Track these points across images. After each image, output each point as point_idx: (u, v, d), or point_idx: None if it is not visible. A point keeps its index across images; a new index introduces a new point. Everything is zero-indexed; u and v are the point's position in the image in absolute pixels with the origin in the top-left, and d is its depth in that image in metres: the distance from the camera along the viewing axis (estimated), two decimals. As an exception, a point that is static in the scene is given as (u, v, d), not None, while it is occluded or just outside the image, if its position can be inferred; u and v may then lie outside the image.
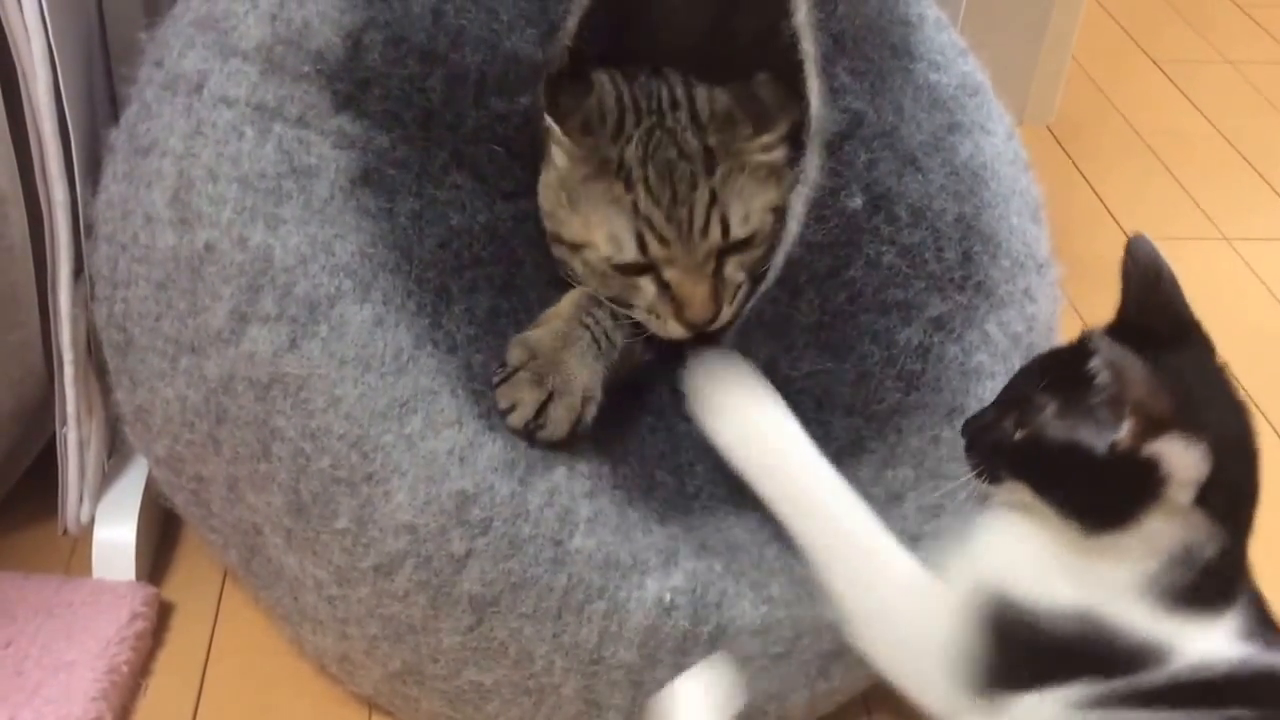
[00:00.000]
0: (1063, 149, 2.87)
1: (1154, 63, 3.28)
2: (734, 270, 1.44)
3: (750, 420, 1.42)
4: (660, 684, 1.38)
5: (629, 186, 1.40)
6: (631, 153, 1.41)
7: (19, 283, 1.51)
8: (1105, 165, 2.83)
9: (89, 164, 1.49)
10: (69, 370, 1.54)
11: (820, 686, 1.47)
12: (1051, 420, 1.27)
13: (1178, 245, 2.55)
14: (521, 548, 1.33)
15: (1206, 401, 1.26)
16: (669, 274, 1.41)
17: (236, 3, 1.35)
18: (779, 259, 1.46)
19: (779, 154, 1.47)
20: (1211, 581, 1.25)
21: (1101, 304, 2.30)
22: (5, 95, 1.42)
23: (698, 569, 1.40)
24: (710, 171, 1.41)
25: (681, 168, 1.41)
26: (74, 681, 1.48)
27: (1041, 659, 1.28)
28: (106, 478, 1.67)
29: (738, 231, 1.42)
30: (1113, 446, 1.21)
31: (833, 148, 1.44)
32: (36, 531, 1.70)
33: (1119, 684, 1.25)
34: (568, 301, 1.42)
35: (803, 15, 1.43)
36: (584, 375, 1.36)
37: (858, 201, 1.45)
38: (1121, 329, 1.34)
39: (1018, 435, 1.29)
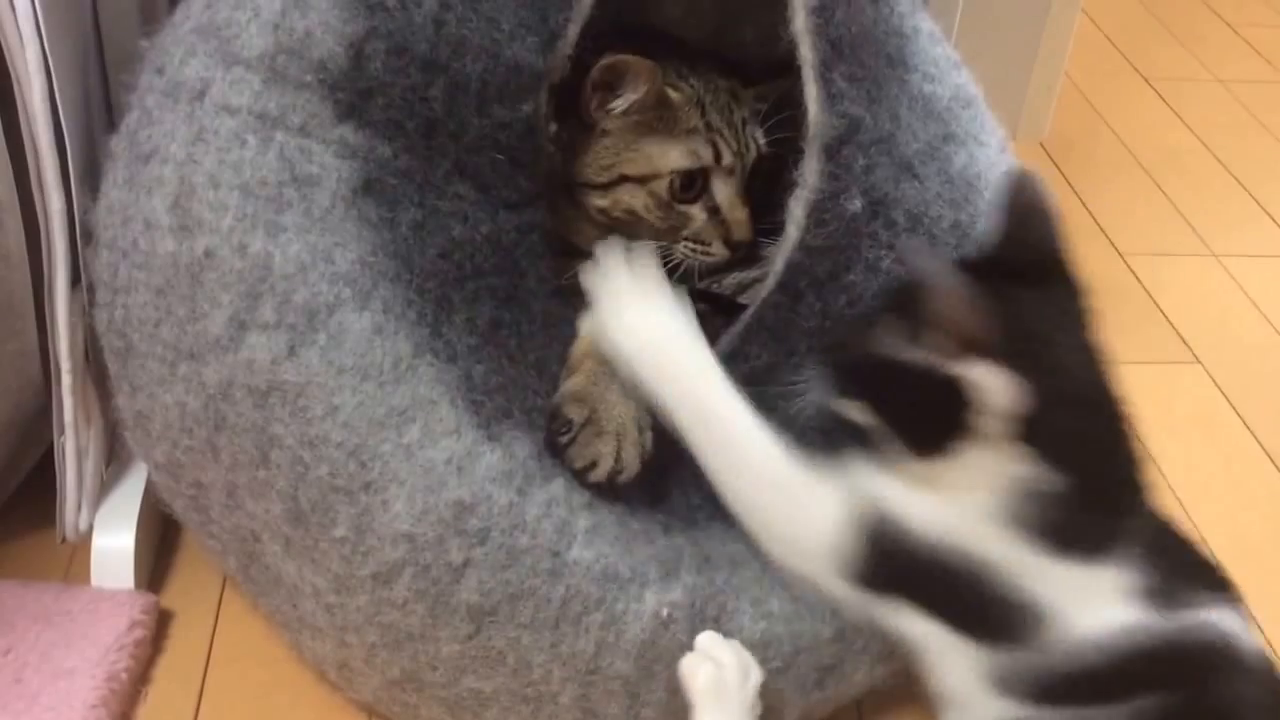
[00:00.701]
0: (1055, 165, 2.88)
1: (1146, 81, 3.29)
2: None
3: (654, 336, 1.40)
4: (657, 694, 1.38)
5: (704, 112, 1.56)
6: (695, 87, 1.57)
7: (16, 292, 1.51)
8: (1097, 182, 2.84)
9: (85, 172, 1.49)
10: (66, 379, 1.54)
11: (815, 696, 1.47)
12: (885, 337, 1.27)
13: (1168, 262, 2.58)
14: (519, 558, 1.33)
15: (1047, 341, 1.25)
16: (720, 195, 1.57)
17: (239, 11, 1.35)
18: (779, 264, 1.47)
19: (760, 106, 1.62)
20: (1065, 524, 1.23)
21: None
22: (0, 103, 1.42)
23: (698, 583, 1.40)
24: (738, 103, 1.59)
25: (723, 98, 1.58)
26: (74, 689, 1.48)
27: (914, 577, 1.28)
28: (105, 485, 1.67)
29: (763, 149, 1.60)
30: (922, 360, 1.21)
31: (831, 152, 1.45)
32: (35, 539, 1.70)
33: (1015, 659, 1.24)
34: (588, 341, 1.44)
35: (800, 22, 1.44)
36: (632, 407, 1.39)
37: (857, 205, 1.46)
38: (987, 262, 1.34)
39: (859, 351, 1.31)
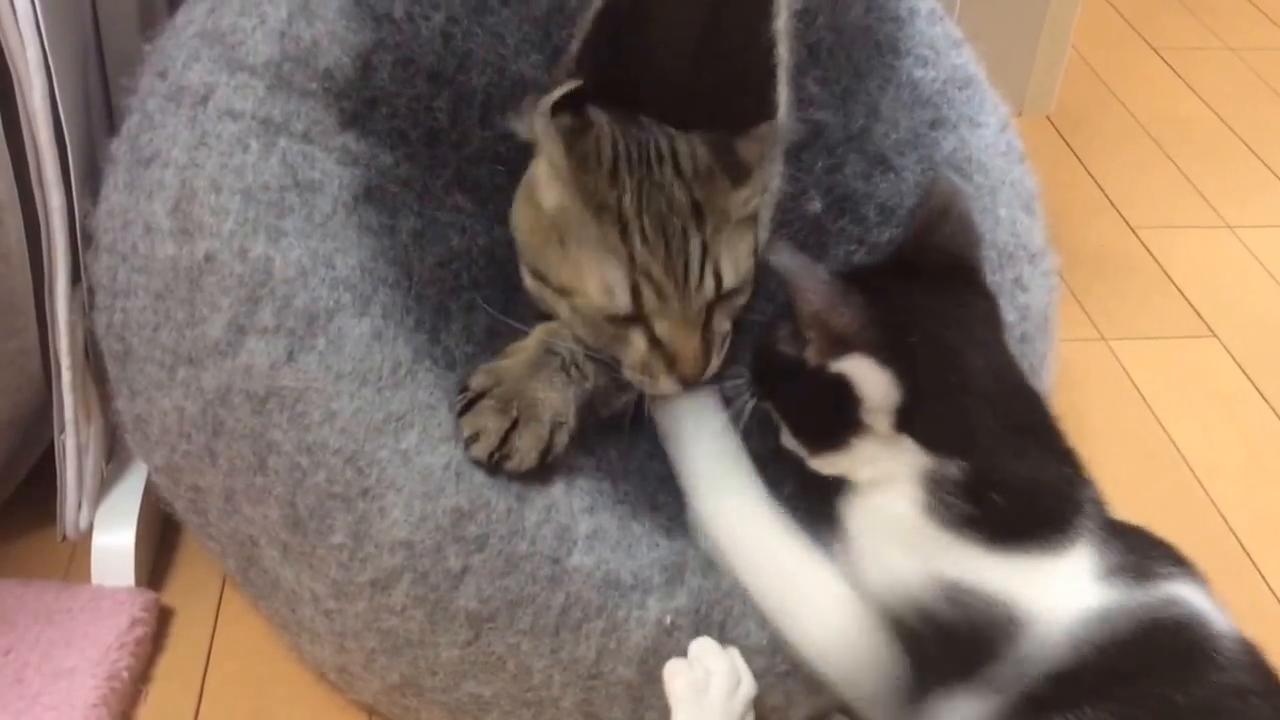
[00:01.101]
0: (1063, 139, 2.85)
1: (1154, 50, 3.26)
2: (721, 320, 1.40)
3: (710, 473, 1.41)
4: (662, 699, 1.38)
5: (625, 236, 1.34)
6: (628, 203, 1.35)
7: (17, 290, 1.51)
8: (1106, 154, 2.81)
9: (85, 172, 1.48)
10: (66, 377, 1.54)
11: (822, 696, 1.46)
12: (781, 337, 1.27)
13: (1180, 233, 2.57)
14: (518, 565, 1.33)
15: (931, 335, 1.23)
16: (660, 327, 1.36)
17: (244, 18, 1.36)
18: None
19: (755, 204, 1.44)
20: (981, 514, 1.20)
21: (1102, 292, 2.31)
22: (1, 103, 1.41)
23: (704, 587, 1.39)
24: (700, 226, 1.37)
25: (674, 222, 1.36)
26: (74, 688, 1.48)
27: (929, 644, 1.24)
28: (105, 483, 1.67)
29: (729, 282, 1.38)
30: (805, 362, 1.22)
31: (790, 155, 1.45)
32: (35, 538, 1.70)
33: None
34: (535, 335, 1.39)
35: (782, 22, 1.43)
36: (554, 399, 1.34)
37: (817, 205, 1.46)
38: (891, 264, 1.36)
39: (761, 353, 1.31)
